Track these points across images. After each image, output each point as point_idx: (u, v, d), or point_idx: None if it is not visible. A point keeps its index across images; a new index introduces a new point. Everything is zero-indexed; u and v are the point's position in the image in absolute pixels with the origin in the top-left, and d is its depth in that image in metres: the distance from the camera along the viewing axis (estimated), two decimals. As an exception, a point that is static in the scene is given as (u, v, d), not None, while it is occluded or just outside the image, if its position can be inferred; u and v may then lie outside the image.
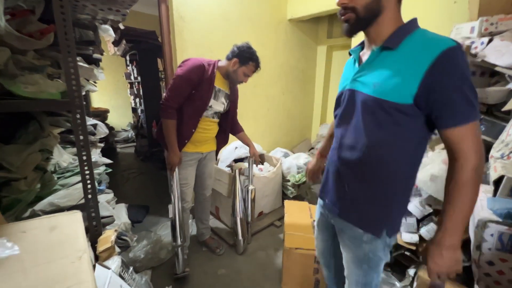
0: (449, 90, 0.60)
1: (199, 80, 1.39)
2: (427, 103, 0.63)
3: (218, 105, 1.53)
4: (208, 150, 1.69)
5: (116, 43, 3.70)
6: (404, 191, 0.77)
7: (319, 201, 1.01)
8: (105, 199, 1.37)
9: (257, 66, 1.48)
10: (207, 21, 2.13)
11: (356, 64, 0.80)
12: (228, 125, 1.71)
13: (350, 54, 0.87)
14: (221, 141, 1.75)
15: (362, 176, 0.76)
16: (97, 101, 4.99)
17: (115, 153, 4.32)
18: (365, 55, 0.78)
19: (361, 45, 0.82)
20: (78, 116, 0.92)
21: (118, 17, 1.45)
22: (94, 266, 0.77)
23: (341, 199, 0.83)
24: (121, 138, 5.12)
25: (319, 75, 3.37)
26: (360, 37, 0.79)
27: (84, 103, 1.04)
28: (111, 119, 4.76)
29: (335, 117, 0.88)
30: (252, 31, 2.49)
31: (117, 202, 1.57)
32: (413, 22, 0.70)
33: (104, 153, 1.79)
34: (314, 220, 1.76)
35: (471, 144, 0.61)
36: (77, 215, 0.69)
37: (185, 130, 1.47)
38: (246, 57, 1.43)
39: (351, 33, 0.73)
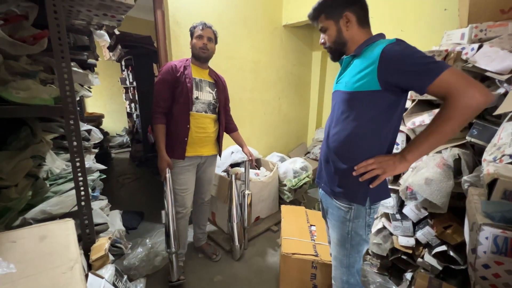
0: (406, 66, 0.74)
1: (173, 78, 1.45)
2: (393, 85, 0.78)
3: (205, 95, 1.54)
4: (209, 154, 1.65)
5: (111, 48, 3.70)
6: None
7: (319, 190, 1.13)
8: (99, 205, 1.34)
9: (200, 24, 1.48)
10: (203, 27, 2.14)
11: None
12: (223, 118, 1.68)
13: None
14: (220, 139, 1.71)
15: (344, 156, 0.91)
16: (92, 106, 4.95)
17: (110, 159, 4.27)
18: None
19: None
20: (71, 122, 0.91)
21: (113, 23, 1.45)
22: (87, 276, 0.75)
23: (331, 179, 0.98)
24: (116, 143, 5.07)
25: (314, 80, 3.40)
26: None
27: (78, 108, 1.03)
28: (106, 124, 4.71)
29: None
30: (248, 36, 2.51)
31: (111, 209, 1.54)
32: (377, 35, 0.89)
33: (99, 158, 1.77)
34: (311, 225, 1.76)
35: (456, 86, 0.70)
36: (69, 223, 0.67)
37: (180, 128, 1.48)
38: (191, 31, 1.52)
39: (334, 59, 0.99)
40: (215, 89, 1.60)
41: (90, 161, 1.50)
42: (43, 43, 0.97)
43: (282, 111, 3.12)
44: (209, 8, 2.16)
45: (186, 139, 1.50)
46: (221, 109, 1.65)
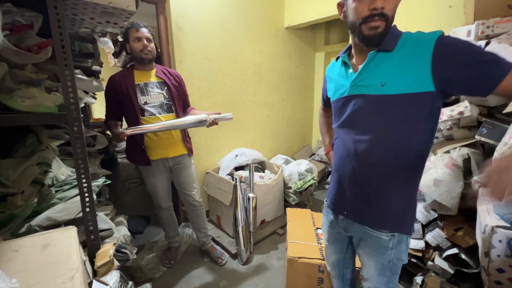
0: (471, 58, 0.62)
1: (115, 92, 1.47)
2: (449, 83, 0.65)
3: (154, 97, 1.51)
4: (176, 154, 1.59)
5: (116, 54, 3.75)
6: (420, 179, 0.80)
7: (326, 213, 0.99)
8: (104, 211, 1.35)
9: (133, 26, 1.44)
10: (205, 31, 2.16)
11: (350, 70, 0.81)
12: (181, 114, 1.60)
13: (337, 59, 0.89)
14: (186, 137, 1.64)
15: (391, 176, 0.76)
16: (98, 112, 5.03)
17: (116, 164, 4.31)
18: (357, 61, 0.81)
19: (346, 51, 0.85)
20: (75, 128, 0.91)
21: (116, 30, 1.46)
22: (91, 283, 0.75)
23: (362, 205, 0.82)
24: (122, 148, 5.12)
25: (318, 81, 3.38)
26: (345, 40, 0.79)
27: (83, 115, 1.04)
28: (112, 130, 4.77)
29: (339, 125, 0.87)
30: (250, 39, 2.51)
31: (117, 213, 1.55)
32: (396, 27, 0.76)
33: (105, 163, 1.79)
34: (317, 228, 1.73)
35: None
36: (71, 231, 0.67)
37: (136, 137, 1.48)
38: (125, 33, 1.48)
39: (379, 42, 0.72)
40: (166, 88, 1.55)
41: (95, 166, 1.52)
42: (47, 51, 0.99)
43: (286, 113, 3.11)
44: (211, 13, 2.17)
45: (143, 146, 1.50)
46: (177, 106, 1.57)
